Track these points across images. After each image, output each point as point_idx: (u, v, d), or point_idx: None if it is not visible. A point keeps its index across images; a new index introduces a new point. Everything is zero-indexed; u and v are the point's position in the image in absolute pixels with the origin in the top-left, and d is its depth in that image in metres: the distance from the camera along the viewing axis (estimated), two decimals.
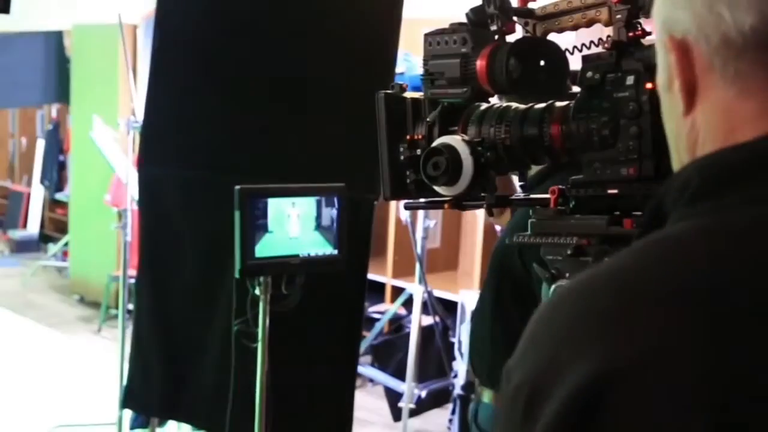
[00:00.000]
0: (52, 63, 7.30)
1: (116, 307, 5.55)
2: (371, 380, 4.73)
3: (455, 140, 0.97)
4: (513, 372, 0.61)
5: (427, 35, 0.99)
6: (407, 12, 3.02)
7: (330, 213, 2.46)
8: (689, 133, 0.66)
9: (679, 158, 0.69)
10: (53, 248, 7.64)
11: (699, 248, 0.59)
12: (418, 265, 4.23)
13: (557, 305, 0.63)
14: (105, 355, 5.16)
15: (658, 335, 0.54)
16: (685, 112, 0.66)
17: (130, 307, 4.07)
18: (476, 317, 2.03)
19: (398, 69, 3.41)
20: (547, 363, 0.58)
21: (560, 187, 0.96)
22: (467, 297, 3.83)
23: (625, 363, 0.54)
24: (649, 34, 0.91)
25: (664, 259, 0.59)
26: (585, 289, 0.61)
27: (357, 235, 2.72)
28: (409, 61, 4.04)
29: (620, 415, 0.53)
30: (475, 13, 0.96)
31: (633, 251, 0.62)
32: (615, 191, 0.91)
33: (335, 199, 2.45)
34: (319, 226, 2.44)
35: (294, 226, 2.41)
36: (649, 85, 0.88)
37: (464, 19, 0.99)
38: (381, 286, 5.41)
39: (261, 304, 2.42)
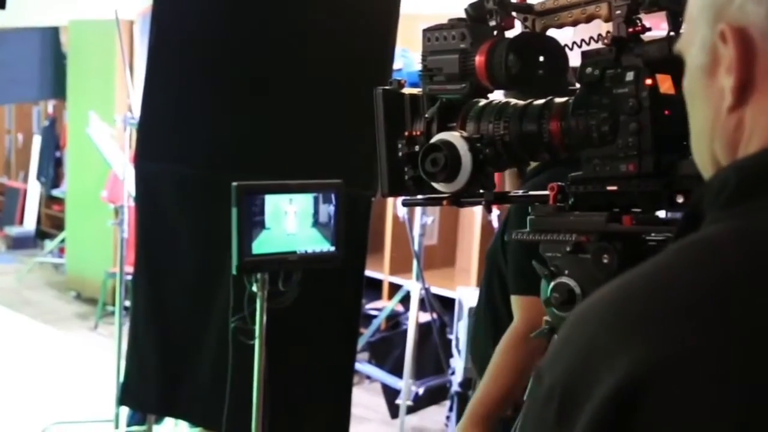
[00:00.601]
0: (48, 59, 7.28)
1: (113, 304, 5.54)
2: (368, 377, 4.73)
3: (454, 136, 0.97)
4: (545, 373, 0.60)
5: (425, 31, 0.99)
6: (405, 7, 3.01)
7: (327, 209, 2.45)
8: (735, 130, 0.63)
9: (709, 150, 0.67)
10: (50, 245, 7.62)
11: (730, 252, 0.58)
12: (415, 262, 4.23)
13: (591, 308, 0.62)
14: (102, 352, 5.15)
15: (688, 338, 0.55)
16: (733, 108, 0.63)
17: (127, 303, 4.06)
18: (475, 312, 2.06)
19: (396, 65, 3.41)
20: (582, 364, 0.58)
21: (559, 183, 0.95)
22: (464, 294, 3.82)
23: (658, 365, 0.54)
24: (649, 29, 0.91)
25: (696, 262, 0.59)
26: (619, 292, 0.61)
27: (354, 231, 2.71)
28: (407, 57, 4.03)
29: (655, 414, 0.53)
30: (474, 9, 0.96)
31: (667, 255, 0.62)
32: (614, 188, 0.90)
33: (332, 196, 2.45)
34: (316, 223, 2.44)
35: (291, 222, 2.40)
36: (648, 81, 0.88)
37: (463, 15, 0.99)
38: (378, 283, 5.41)
39: (258, 301, 2.41)
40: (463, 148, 0.96)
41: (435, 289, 4.59)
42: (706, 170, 0.68)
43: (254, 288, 2.40)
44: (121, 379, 3.22)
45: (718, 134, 0.65)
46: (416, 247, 4.22)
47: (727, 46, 0.62)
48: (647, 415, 0.53)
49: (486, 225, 4.79)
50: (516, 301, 1.66)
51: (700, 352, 0.54)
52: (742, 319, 0.54)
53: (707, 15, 0.65)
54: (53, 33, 7.31)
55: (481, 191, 1.00)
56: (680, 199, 0.87)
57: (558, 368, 0.59)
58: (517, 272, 1.65)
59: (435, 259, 5.47)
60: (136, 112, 3.50)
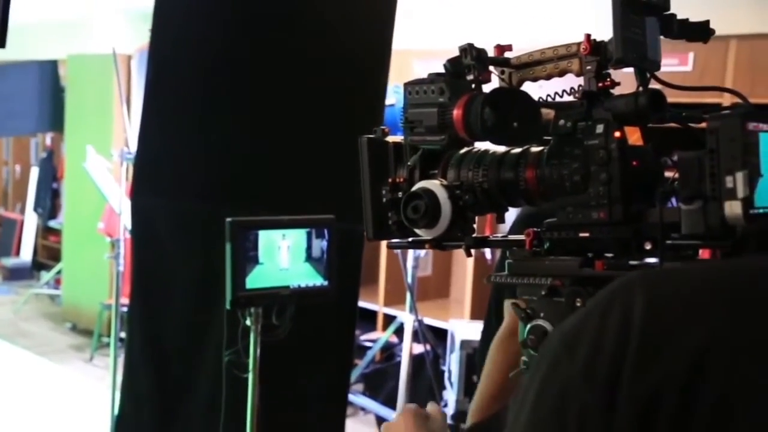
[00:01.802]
0: (46, 92, 7.35)
1: (108, 336, 5.55)
2: (363, 409, 4.74)
3: (434, 185, 1.01)
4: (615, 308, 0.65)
5: (406, 85, 1.03)
6: (397, 44, 3.07)
7: (320, 244, 2.49)
8: None
9: None
10: (46, 276, 7.64)
11: None
12: (408, 294, 4.26)
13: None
14: (97, 384, 5.16)
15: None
16: None
17: (123, 335, 4.08)
18: (484, 337, 2.16)
19: (388, 101, 3.46)
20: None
21: (535, 229, 0.99)
22: (457, 326, 3.85)
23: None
24: (618, 84, 0.95)
25: None
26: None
27: (347, 265, 2.75)
28: (400, 92, 4.09)
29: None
30: (453, 64, 1.00)
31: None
32: (586, 234, 0.94)
33: (325, 231, 2.49)
34: (309, 258, 2.48)
35: (284, 257, 2.44)
36: (617, 134, 0.92)
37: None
38: (373, 314, 5.43)
39: (252, 335, 2.44)
40: (442, 195, 1.00)
41: (429, 320, 4.62)
42: None
43: (248, 322, 2.44)
44: (116, 411, 3.23)
45: None
46: (409, 279, 4.25)
47: None
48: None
49: (480, 257, 4.83)
50: (506, 303, 1.78)
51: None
52: None
53: None
54: (52, 66, 7.39)
55: (461, 235, 1.04)
56: (648, 246, 0.91)
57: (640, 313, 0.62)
58: None
59: (429, 290, 5.50)
60: (133, 146, 3.55)
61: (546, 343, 0.69)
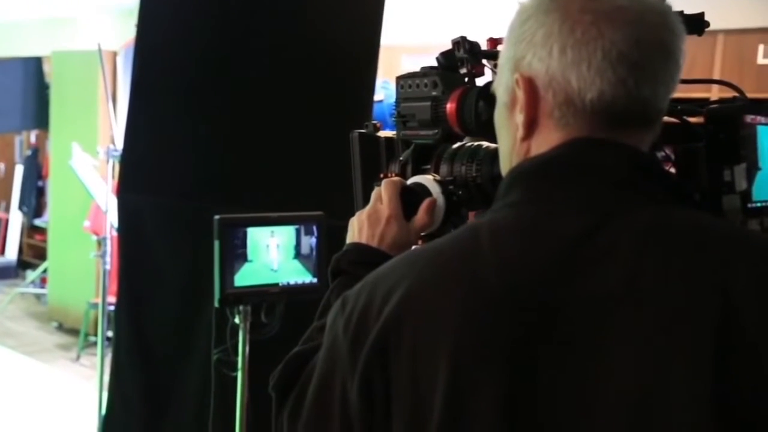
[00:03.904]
0: (31, 89, 7.28)
1: (95, 335, 5.51)
2: None
3: (427, 180, 1.00)
4: (348, 301, 0.87)
5: (398, 78, 1.02)
6: (386, 39, 3.06)
7: (309, 241, 2.47)
8: (525, 155, 0.84)
9: (510, 168, 0.87)
10: (31, 275, 7.57)
11: (484, 237, 0.81)
12: None
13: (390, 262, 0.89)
14: (84, 384, 5.12)
15: (434, 285, 0.81)
16: (524, 138, 0.84)
17: (110, 334, 4.05)
18: None
19: (377, 96, 3.45)
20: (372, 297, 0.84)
21: None
22: None
23: (411, 299, 0.81)
24: None
25: (464, 246, 0.82)
26: (415, 251, 0.90)
27: None
28: (388, 88, 4.07)
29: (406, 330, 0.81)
30: (446, 58, 0.99)
31: (456, 232, 0.89)
32: None
33: (314, 228, 2.47)
34: (298, 255, 2.46)
35: (273, 254, 2.42)
36: None
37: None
38: None
39: (240, 333, 2.42)
40: (436, 191, 0.99)
41: None
42: None
43: (236, 320, 2.42)
44: (104, 410, 3.21)
45: (515, 158, 0.85)
46: None
47: (520, 91, 0.82)
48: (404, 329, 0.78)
49: None
50: None
51: (439, 294, 0.78)
52: (478, 280, 0.77)
53: (509, 65, 0.84)
54: (36, 63, 7.32)
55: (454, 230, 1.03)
56: None
57: (360, 300, 0.83)
58: None
59: None
60: (119, 143, 3.52)
61: (337, 301, 0.88)
